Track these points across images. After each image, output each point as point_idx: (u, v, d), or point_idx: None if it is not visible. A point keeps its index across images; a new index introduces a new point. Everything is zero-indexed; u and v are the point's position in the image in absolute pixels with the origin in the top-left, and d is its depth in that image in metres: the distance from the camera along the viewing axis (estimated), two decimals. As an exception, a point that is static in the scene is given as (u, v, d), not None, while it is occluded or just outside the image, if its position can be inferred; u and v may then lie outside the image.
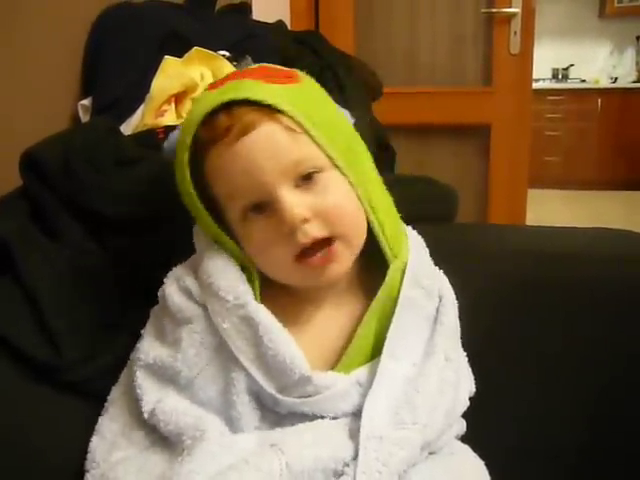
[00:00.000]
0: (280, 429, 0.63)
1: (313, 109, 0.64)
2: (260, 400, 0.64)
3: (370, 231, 0.67)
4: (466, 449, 0.71)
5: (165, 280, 0.69)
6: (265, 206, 0.62)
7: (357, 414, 0.63)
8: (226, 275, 0.64)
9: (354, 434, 0.61)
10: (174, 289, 0.67)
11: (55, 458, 0.66)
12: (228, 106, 0.61)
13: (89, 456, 0.65)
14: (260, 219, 0.62)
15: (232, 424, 0.64)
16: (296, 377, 0.62)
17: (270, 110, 0.61)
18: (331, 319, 0.69)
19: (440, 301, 0.71)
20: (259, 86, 0.63)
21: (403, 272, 0.68)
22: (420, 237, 0.75)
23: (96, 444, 0.66)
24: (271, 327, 0.63)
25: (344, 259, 0.65)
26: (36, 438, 0.65)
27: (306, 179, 0.62)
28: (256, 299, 0.65)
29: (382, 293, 0.67)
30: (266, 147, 0.61)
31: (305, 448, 0.59)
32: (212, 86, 0.67)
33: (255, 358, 0.63)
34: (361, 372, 0.65)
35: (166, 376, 0.65)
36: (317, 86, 0.70)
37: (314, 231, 0.61)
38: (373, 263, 0.69)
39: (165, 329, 0.67)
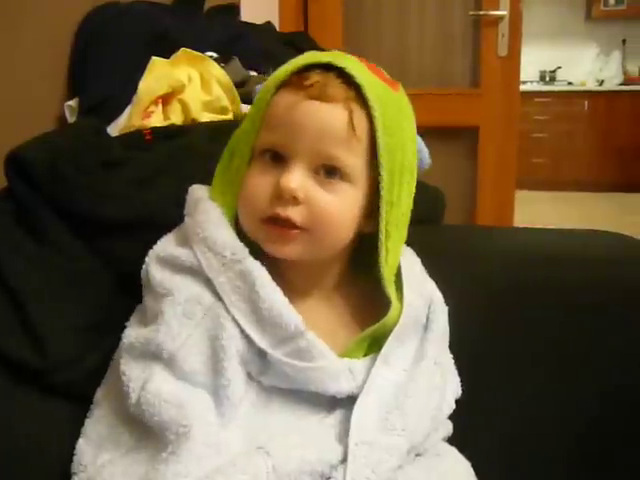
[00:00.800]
0: (267, 430, 0.62)
1: (392, 116, 0.65)
2: (247, 370, 0.64)
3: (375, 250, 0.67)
4: (452, 450, 0.71)
5: (145, 259, 0.69)
6: (278, 161, 0.64)
7: (345, 414, 0.63)
8: (221, 230, 0.65)
9: (342, 437, 0.61)
10: (154, 264, 0.67)
11: (41, 461, 0.65)
12: (327, 68, 0.64)
13: (75, 459, 0.65)
14: (269, 165, 0.64)
15: (219, 392, 0.62)
16: (291, 328, 0.62)
17: (356, 96, 0.63)
18: (319, 313, 0.69)
19: (430, 307, 0.71)
20: (360, 68, 0.65)
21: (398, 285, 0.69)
22: (409, 249, 0.75)
23: (82, 447, 0.65)
24: (268, 283, 0.63)
25: (300, 248, 0.65)
26: (22, 440, 0.65)
27: (329, 174, 0.64)
28: None
29: (378, 327, 0.67)
30: (321, 124, 0.62)
31: (291, 450, 0.59)
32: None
33: (249, 312, 0.63)
34: (354, 363, 0.65)
35: (149, 352, 0.63)
36: (408, 104, 0.71)
37: (293, 213, 0.63)
38: (367, 265, 0.69)
39: (147, 309, 0.67)
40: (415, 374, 0.66)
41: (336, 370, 0.63)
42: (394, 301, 0.67)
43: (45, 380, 0.68)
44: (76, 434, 0.66)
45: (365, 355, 0.67)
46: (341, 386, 0.63)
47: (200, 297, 0.63)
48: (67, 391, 0.70)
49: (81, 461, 0.64)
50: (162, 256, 0.67)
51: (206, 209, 0.67)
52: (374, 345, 0.67)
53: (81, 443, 0.65)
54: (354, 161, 0.64)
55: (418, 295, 0.70)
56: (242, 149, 0.67)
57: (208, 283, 0.64)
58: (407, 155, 0.67)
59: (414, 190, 0.70)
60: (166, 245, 0.68)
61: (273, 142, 0.64)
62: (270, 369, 0.63)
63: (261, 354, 0.63)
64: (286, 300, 0.63)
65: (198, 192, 0.70)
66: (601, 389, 0.84)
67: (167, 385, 0.62)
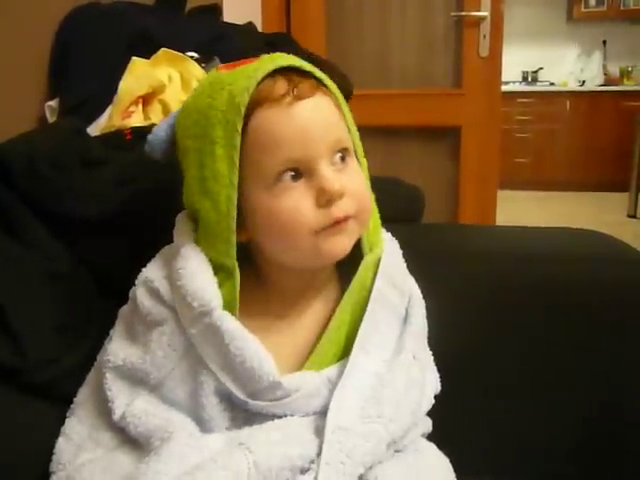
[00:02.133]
0: (248, 428, 0.63)
1: (337, 90, 0.68)
2: (230, 401, 0.64)
3: None
4: (432, 447, 0.71)
5: (136, 282, 0.68)
6: (300, 173, 0.63)
7: (326, 411, 0.63)
8: (196, 279, 0.63)
9: (321, 430, 0.61)
10: (143, 291, 0.66)
11: (19, 460, 0.65)
12: (280, 73, 0.64)
13: (55, 458, 0.64)
14: (292, 186, 0.63)
15: (203, 425, 0.63)
16: (265, 383, 0.62)
17: (319, 84, 0.66)
18: (307, 315, 0.70)
19: (409, 301, 0.72)
20: (303, 62, 0.66)
21: (377, 266, 0.69)
22: (395, 240, 0.76)
23: (62, 446, 0.65)
24: (237, 334, 0.62)
25: (353, 236, 0.66)
26: (1, 441, 0.65)
27: (341, 160, 0.65)
28: (233, 299, 0.64)
29: (354, 285, 0.68)
30: (320, 117, 0.64)
31: (273, 446, 0.59)
32: (230, 66, 0.68)
33: (224, 364, 0.62)
34: (332, 370, 0.65)
35: (136, 377, 0.64)
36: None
37: (347, 207, 0.63)
38: (350, 261, 0.69)
39: (135, 330, 0.67)
40: (394, 366, 0.66)
41: (316, 389, 0.63)
42: (365, 260, 0.69)
43: (24, 380, 0.68)
44: (55, 433, 0.66)
45: (344, 356, 0.67)
46: (324, 398, 0.64)
47: (182, 334, 0.63)
48: (46, 391, 0.70)
49: (60, 460, 0.64)
50: (150, 286, 0.66)
51: (186, 254, 0.65)
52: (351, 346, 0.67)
53: (61, 442, 0.65)
54: (345, 132, 0.67)
55: (390, 283, 0.70)
56: (224, 192, 0.63)
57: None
58: (346, 104, 0.70)
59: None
60: (154, 273, 0.67)
61: (289, 159, 0.62)
62: (253, 406, 0.63)
63: (241, 400, 0.63)
64: (259, 349, 0.62)
65: (182, 232, 0.68)
66: (585, 387, 0.85)
67: (153, 405, 0.63)
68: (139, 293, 0.66)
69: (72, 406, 0.69)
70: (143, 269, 0.69)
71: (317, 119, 0.63)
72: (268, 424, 0.62)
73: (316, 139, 0.63)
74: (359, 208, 0.65)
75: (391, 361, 0.67)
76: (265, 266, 0.70)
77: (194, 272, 0.63)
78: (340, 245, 0.65)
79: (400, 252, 0.75)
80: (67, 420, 0.67)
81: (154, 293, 0.65)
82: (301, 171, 0.63)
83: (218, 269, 0.65)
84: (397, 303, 0.70)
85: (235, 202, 0.63)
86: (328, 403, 0.63)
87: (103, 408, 0.65)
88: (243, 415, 0.64)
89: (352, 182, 0.65)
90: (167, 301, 0.64)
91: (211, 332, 0.62)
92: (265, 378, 0.61)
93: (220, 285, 0.64)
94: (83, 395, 0.69)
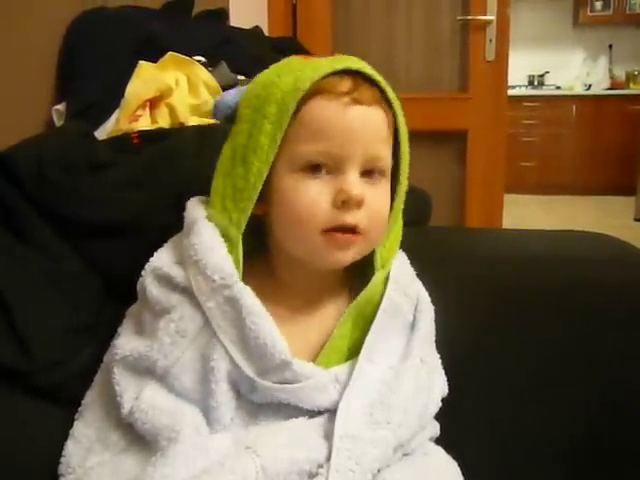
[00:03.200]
0: (255, 430, 0.63)
1: (401, 113, 0.69)
2: (237, 388, 0.64)
3: None
4: (440, 450, 0.71)
5: (143, 272, 0.68)
6: (325, 171, 0.64)
7: (332, 414, 0.63)
8: (214, 253, 0.64)
9: (329, 435, 0.61)
10: (151, 280, 0.67)
11: (28, 463, 0.65)
12: (349, 74, 0.65)
13: (64, 461, 0.65)
14: (317, 179, 0.64)
15: (208, 413, 0.63)
16: (276, 361, 0.62)
17: (383, 98, 0.66)
18: (314, 315, 0.70)
19: (417, 306, 0.72)
20: (375, 72, 0.67)
21: (386, 282, 0.69)
22: (401, 251, 0.76)
23: (71, 449, 0.65)
24: (255, 310, 0.63)
25: (357, 251, 0.66)
26: (8, 443, 0.65)
27: (370, 175, 0.65)
28: (238, 269, 0.65)
29: (361, 298, 0.68)
30: (370, 126, 0.64)
31: (280, 450, 0.59)
32: (307, 57, 0.70)
33: (237, 339, 0.63)
34: (340, 370, 0.65)
35: (143, 367, 0.64)
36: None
37: (360, 218, 0.64)
38: (362, 267, 0.70)
39: (143, 323, 0.67)
40: (401, 371, 0.67)
41: (324, 384, 0.64)
42: (375, 277, 0.69)
43: (31, 382, 0.68)
44: (63, 436, 0.66)
45: (351, 357, 0.67)
46: (330, 397, 0.64)
47: (194, 316, 0.64)
48: (53, 393, 0.70)
49: (70, 463, 0.64)
50: (158, 273, 0.67)
51: (200, 230, 0.66)
52: (359, 347, 0.67)
53: (69, 445, 0.65)
54: (389, 157, 0.67)
55: (402, 293, 0.70)
56: (257, 165, 0.64)
57: (200, 305, 0.64)
58: (406, 131, 0.70)
59: None
60: (163, 261, 0.68)
61: (323, 151, 0.63)
62: (259, 390, 0.64)
63: (250, 378, 0.63)
64: (274, 328, 0.63)
65: (195, 211, 0.69)
66: (589, 388, 0.84)
67: (160, 396, 0.63)
68: (147, 282, 0.67)
69: (80, 409, 0.69)
70: (151, 259, 0.69)
71: (365, 126, 0.64)
72: (275, 426, 0.62)
73: (356, 144, 0.63)
74: (371, 224, 0.65)
75: (398, 367, 0.67)
76: (276, 256, 0.71)
77: (211, 246, 0.65)
78: (344, 257, 0.66)
79: (408, 261, 0.76)
80: (75, 423, 0.67)
81: (163, 279, 0.66)
82: (330, 168, 0.64)
83: (225, 239, 0.66)
84: (406, 310, 0.70)
85: (264, 177, 0.64)
86: (333, 401, 0.64)
87: (110, 409, 0.66)
88: (249, 405, 0.64)
89: (374, 199, 0.65)
90: (179, 283, 0.65)
91: (230, 305, 0.63)
92: (277, 356, 0.62)
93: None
94: (90, 397, 0.69)
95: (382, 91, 0.66)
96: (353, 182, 0.63)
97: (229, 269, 0.63)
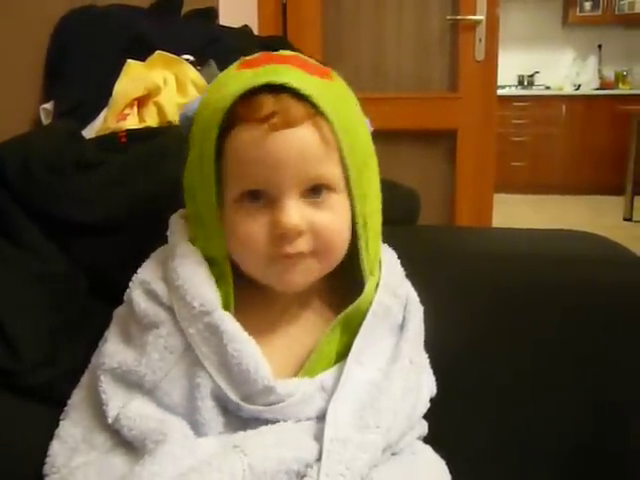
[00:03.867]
0: (242, 432, 0.63)
1: (344, 115, 0.63)
2: (225, 405, 0.63)
3: (352, 244, 0.67)
4: (427, 449, 0.71)
5: (130, 284, 0.68)
6: (262, 197, 0.61)
7: (321, 417, 0.63)
8: (195, 279, 0.63)
9: (318, 436, 0.61)
10: (139, 293, 0.66)
11: (13, 463, 0.65)
12: (271, 89, 0.59)
13: (49, 460, 0.64)
14: (253, 207, 0.61)
15: (197, 429, 0.63)
16: (259, 386, 0.61)
17: (313, 108, 0.60)
18: (302, 324, 0.69)
19: (406, 307, 0.71)
20: (303, 76, 0.61)
21: (376, 287, 0.68)
22: (391, 249, 0.75)
23: (57, 449, 0.64)
24: (236, 336, 0.62)
25: (309, 272, 0.64)
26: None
27: (314, 193, 0.62)
28: (227, 301, 0.64)
29: (354, 306, 0.67)
30: (301, 151, 0.60)
31: (268, 449, 0.59)
32: (245, 64, 0.64)
33: (219, 365, 0.62)
34: (325, 376, 0.65)
35: (131, 380, 0.64)
36: (347, 88, 0.69)
37: (301, 246, 0.61)
38: (348, 272, 0.69)
39: (131, 332, 0.66)
40: (390, 373, 0.66)
41: (310, 395, 0.63)
42: (367, 286, 0.67)
43: (18, 382, 0.68)
44: (49, 436, 0.66)
45: (337, 362, 0.67)
46: (317, 406, 0.63)
47: (179, 336, 0.63)
48: (40, 393, 0.70)
49: (54, 463, 0.63)
50: (146, 287, 0.65)
51: (182, 253, 0.65)
52: (347, 350, 0.67)
53: (55, 445, 0.65)
54: (334, 171, 0.62)
55: (391, 295, 0.69)
56: (205, 199, 0.63)
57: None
58: (363, 140, 0.67)
59: (377, 166, 0.69)
60: (150, 275, 0.66)
61: (251, 185, 0.61)
62: (245, 411, 0.63)
63: (235, 402, 0.63)
64: (256, 353, 0.62)
65: (177, 233, 0.68)
66: (580, 388, 0.85)
67: (148, 407, 0.63)
68: (135, 295, 0.66)
69: (66, 408, 0.68)
70: (138, 270, 0.68)
71: (293, 152, 0.59)
72: (263, 428, 0.62)
73: (285, 172, 0.60)
74: (322, 247, 0.63)
75: (387, 369, 0.67)
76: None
77: (192, 271, 0.63)
78: (291, 280, 0.64)
79: (397, 260, 0.75)
80: (61, 423, 0.67)
81: (151, 294, 0.65)
82: (265, 197, 0.61)
83: (212, 263, 0.65)
84: (396, 311, 0.70)
85: (214, 211, 0.63)
86: (321, 409, 0.63)
87: (97, 410, 0.65)
88: (237, 420, 0.64)
89: (321, 218, 0.62)
90: (164, 302, 0.64)
91: (210, 332, 0.62)
92: (260, 382, 0.61)
93: (215, 281, 0.64)
94: (77, 397, 0.68)
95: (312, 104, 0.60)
96: (289, 213, 0.60)
97: (209, 296, 0.62)
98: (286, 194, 0.60)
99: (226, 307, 0.64)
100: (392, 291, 0.69)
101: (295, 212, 0.60)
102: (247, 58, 0.66)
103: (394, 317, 0.70)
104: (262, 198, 0.61)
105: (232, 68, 0.66)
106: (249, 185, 0.61)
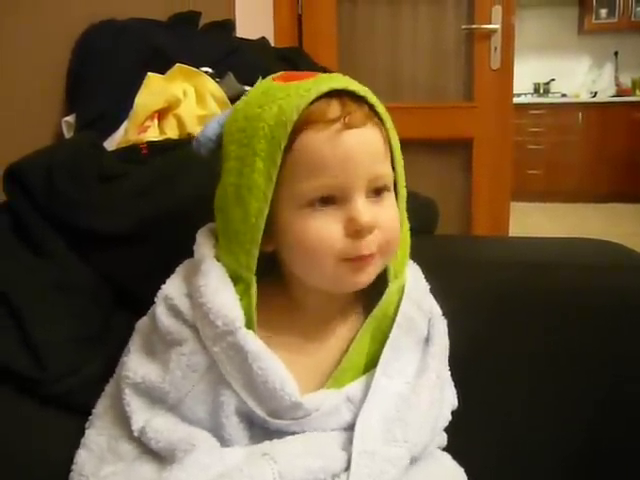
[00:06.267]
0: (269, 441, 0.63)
1: (392, 124, 0.66)
2: (250, 419, 0.64)
3: None
4: (446, 457, 0.71)
5: (155, 299, 0.67)
6: (333, 201, 0.62)
7: (347, 428, 0.63)
8: (219, 296, 0.62)
9: (344, 446, 0.61)
10: (163, 309, 0.66)
11: (39, 472, 0.65)
12: (335, 95, 0.62)
13: (76, 468, 0.65)
14: (323, 211, 0.62)
15: (222, 443, 0.63)
16: (287, 402, 0.61)
17: (374, 114, 0.64)
18: (331, 337, 0.69)
19: (430, 321, 0.71)
20: (352, 81, 0.64)
21: (401, 293, 0.69)
22: (416, 265, 0.75)
23: (84, 458, 0.65)
24: (260, 355, 0.62)
25: (376, 270, 0.65)
26: (20, 452, 0.65)
27: (377, 193, 0.64)
28: (250, 316, 0.64)
29: (377, 311, 0.67)
30: (367, 149, 0.62)
31: (296, 458, 0.59)
32: (284, 78, 0.66)
33: (245, 383, 0.62)
34: (352, 388, 0.65)
35: (154, 396, 0.64)
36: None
37: (373, 245, 0.62)
38: (374, 284, 0.69)
39: (155, 347, 0.66)
40: (417, 387, 0.66)
41: (336, 407, 0.63)
42: (390, 287, 0.68)
43: (43, 391, 0.69)
44: (74, 444, 0.66)
45: (364, 373, 0.67)
46: (343, 418, 0.64)
47: (203, 354, 0.63)
48: (64, 402, 0.71)
49: (82, 471, 0.64)
50: (170, 303, 0.65)
51: (207, 271, 0.64)
52: (375, 361, 0.67)
53: (82, 453, 0.66)
54: (390, 171, 0.66)
55: (416, 308, 0.70)
56: (256, 205, 0.62)
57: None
58: (397, 140, 0.68)
59: None
60: (174, 291, 0.66)
61: (325, 186, 0.61)
62: (271, 424, 0.63)
63: (261, 417, 0.63)
64: (281, 369, 0.62)
65: (203, 247, 0.68)
66: (597, 396, 0.84)
67: (172, 422, 0.63)
68: (159, 311, 0.66)
69: (91, 417, 0.69)
70: (163, 285, 0.68)
71: (363, 151, 0.62)
72: (289, 437, 0.62)
73: (357, 171, 0.61)
74: (386, 242, 0.64)
75: (414, 382, 0.67)
76: (290, 281, 0.70)
77: (216, 289, 0.63)
78: (363, 279, 0.64)
79: (422, 275, 0.75)
80: (87, 431, 0.68)
81: (174, 311, 0.65)
82: (336, 198, 0.62)
83: (237, 280, 0.64)
84: (420, 324, 0.70)
85: (265, 216, 0.62)
86: (346, 421, 0.63)
87: (122, 420, 0.66)
88: (262, 432, 0.64)
89: (384, 215, 0.64)
90: (188, 320, 0.64)
91: (235, 351, 0.62)
92: (287, 399, 0.61)
93: (239, 298, 0.64)
94: (102, 407, 0.69)
95: (371, 105, 0.64)
96: (361, 210, 0.61)
97: (233, 315, 0.62)
98: (357, 192, 0.62)
99: (249, 322, 0.64)
100: (417, 304, 0.70)
101: (367, 210, 0.62)
102: (279, 74, 0.68)
103: (419, 330, 0.70)
104: (332, 202, 0.62)
105: (274, 85, 0.65)
106: (324, 188, 0.61)
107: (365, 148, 0.62)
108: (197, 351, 0.63)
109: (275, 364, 0.62)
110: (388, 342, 0.66)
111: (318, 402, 0.63)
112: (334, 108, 0.61)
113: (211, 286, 0.63)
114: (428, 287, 0.74)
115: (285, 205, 0.63)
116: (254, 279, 0.64)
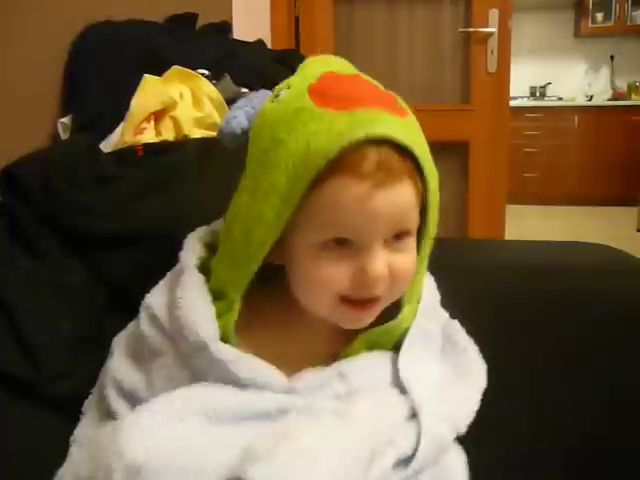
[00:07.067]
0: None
1: (429, 157, 0.62)
2: None
3: None
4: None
5: (140, 307, 0.67)
6: (349, 243, 0.59)
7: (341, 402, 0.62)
8: (193, 312, 0.61)
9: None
10: (144, 317, 0.65)
11: (33, 473, 0.65)
12: (373, 142, 0.56)
13: (69, 467, 0.64)
14: (336, 252, 0.59)
15: None
16: (278, 395, 0.61)
17: (414, 166, 0.59)
18: (324, 332, 0.68)
19: (443, 330, 0.71)
20: (396, 122, 0.58)
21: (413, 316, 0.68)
22: (429, 274, 0.74)
23: (76, 453, 0.65)
24: (240, 359, 0.61)
25: (378, 311, 0.63)
26: (14, 453, 0.65)
27: (398, 239, 0.61)
28: (228, 331, 0.62)
29: (381, 329, 0.66)
30: (395, 208, 0.58)
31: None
32: (322, 101, 0.58)
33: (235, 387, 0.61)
34: (344, 363, 0.64)
35: (135, 400, 0.63)
36: (414, 117, 0.65)
37: (381, 289, 0.60)
38: None
39: (141, 353, 0.66)
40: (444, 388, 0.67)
41: (326, 379, 0.62)
42: (403, 313, 0.66)
43: (38, 393, 0.69)
44: (68, 445, 0.66)
45: None
46: (334, 389, 0.62)
47: (183, 366, 0.62)
48: (60, 403, 0.70)
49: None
50: (150, 312, 0.65)
51: (186, 283, 0.63)
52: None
53: (74, 450, 0.66)
54: (417, 217, 0.62)
55: (431, 319, 0.69)
56: (259, 235, 0.59)
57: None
58: (436, 188, 0.64)
59: None
60: (156, 300, 0.66)
61: (341, 235, 0.58)
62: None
63: None
64: (266, 369, 0.61)
65: (187, 254, 0.66)
66: (597, 399, 0.84)
67: None
68: (141, 319, 0.66)
69: (81, 416, 0.69)
70: (147, 295, 0.67)
71: (391, 209, 0.57)
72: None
73: (380, 225, 0.58)
74: (395, 287, 0.62)
75: (454, 383, 0.68)
76: (291, 293, 0.67)
77: (192, 304, 0.62)
78: (363, 320, 0.63)
79: (435, 284, 0.74)
80: (76, 430, 0.68)
81: (154, 321, 0.64)
82: (352, 244, 0.59)
83: (222, 296, 0.63)
84: (435, 336, 0.70)
85: (267, 249, 0.59)
86: (339, 392, 0.62)
87: (107, 417, 0.66)
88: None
89: (399, 262, 0.60)
90: (167, 330, 0.63)
91: (213, 364, 0.60)
92: (276, 390, 0.61)
93: (220, 314, 0.62)
94: (90, 403, 0.70)
95: (416, 158, 0.59)
96: (377, 262, 0.58)
97: (205, 332, 0.60)
98: (377, 241, 0.58)
99: (227, 337, 0.62)
100: (431, 315, 0.70)
101: (382, 263, 0.59)
102: (315, 85, 0.61)
103: (434, 342, 0.69)
104: (348, 245, 0.59)
105: (304, 97, 0.59)
106: (338, 233, 0.58)
107: (395, 206, 0.58)
108: (178, 364, 0.62)
109: (257, 365, 0.61)
110: (402, 353, 0.66)
111: (310, 381, 0.62)
112: (370, 160, 0.56)
113: (187, 300, 0.62)
114: (438, 297, 0.74)
115: (298, 236, 0.60)
116: (238, 300, 0.62)
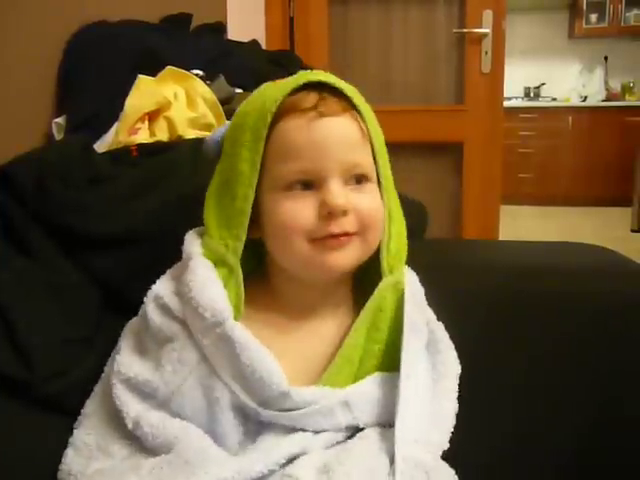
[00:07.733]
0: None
1: (371, 115, 0.70)
2: (244, 414, 0.64)
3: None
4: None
5: (145, 299, 0.69)
6: (311, 186, 0.65)
7: (346, 434, 0.64)
8: (207, 290, 0.64)
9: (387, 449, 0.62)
10: (153, 308, 0.67)
11: (28, 473, 0.65)
12: (314, 88, 0.66)
13: (64, 468, 0.65)
14: (300, 194, 0.65)
15: (215, 438, 0.64)
16: (275, 393, 0.62)
17: (351, 106, 0.67)
18: (319, 331, 0.70)
19: (429, 325, 0.71)
20: (340, 81, 0.69)
21: (398, 292, 0.69)
22: (412, 271, 0.75)
23: (71, 457, 0.65)
24: (248, 345, 0.63)
25: (354, 253, 0.67)
26: (8, 453, 0.65)
27: (356, 181, 0.67)
28: (238, 304, 0.66)
29: (371, 303, 0.68)
30: (341, 136, 0.66)
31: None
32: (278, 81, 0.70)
33: (235, 374, 0.63)
34: (350, 392, 0.65)
35: (144, 392, 0.65)
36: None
37: (346, 225, 0.65)
38: (368, 282, 0.70)
39: (146, 345, 0.68)
40: (436, 394, 0.67)
41: (329, 409, 0.63)
42: (384, 282, 0.69)
43: (32, 392, 0.69)
44: (63, 445, 0.66)
45: (359, 375, 0.67)
46: (337, 419, 0.64)
47: (193, 348, 0.64)
48: (54, 403, 0.70)
49: (71, 470, 0.64)
50: (160, 302, 0.67)
51: (195, 267, 0.66)
52: (371, 359, 0.68)
53: (70, 453, 0.66)
54: (369, 161, 0.69)
55: (418, 312, 0.70)
56: (242, 191, 0.66)
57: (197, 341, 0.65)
58: (383, 143, 0.72)
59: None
60: (164, 290, 0.68)
61: (301, 171, 0.65)
62: (264, 416, 0.64)
63: (253, 407, 0.63)
64: (269, 360, 0.63)
65: (191, 246, 0.69)
66: (594, 399, 0.84)
67: (167, 416, 0.64)
68: (149, 310, 0.67)
69: (79, 418, 0.69)
70: (153, 286, 0.69)
71: (336, 137, 0.65)
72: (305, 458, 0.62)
73: (330, 155, 0.65)
74: (364, 225, 0.66)
75: (432, 387, 0.68)
76: (272, 272, 0.72)
77: (204, 284, 0.65)
78: (337, 260, 0.66)
79: (417, 279, 0.75)
80: (75, 432, 0.68)
81: (164, 309, 0.67)
82: (313, 183, 0.65)
83: (222, 264, 0.67)
84: (424, 330, 0.70)
85: (251, 201, 0.66)
86: (339, 425, 0.64)
87: (111, 418, 0.66)
88: (256, 428, 0.64)
89: (361, 201, 0.66)
90: (178, 316, 0.66)
91: (223, 342, 0.63)
92: (275, 388, 0.62)
93: (225, 285, 0.66)
94: (91, 407, 0.69)
95: (350, 98, 0.67)
96: (335, 192, 0.64)
97: (220, 306, 0.64)
98: (331, 177, 0.65)
99: (237, 308, 0.66)
100: (418, 307, 0.70)
101: (340, 193, 0.64)
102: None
103: (422, 334, 0.70)
104: (311, 188, 0.65)
105: (265, 86, 0.71)
106: (300, 172, 0.65)
107: (340, 136, 0.66)
108: (187, 346, 0.64)
109: (262, 354, 0.63)
110: (404, 343, 0.66)
111: (309, 397, 0.63)
112: (310, 98, 0.65)
113: (199, 281, 0.65)
114: (423, 291, 0.75)
115: (267, 189, 0.67)
116: (238, 263, 0.67)
